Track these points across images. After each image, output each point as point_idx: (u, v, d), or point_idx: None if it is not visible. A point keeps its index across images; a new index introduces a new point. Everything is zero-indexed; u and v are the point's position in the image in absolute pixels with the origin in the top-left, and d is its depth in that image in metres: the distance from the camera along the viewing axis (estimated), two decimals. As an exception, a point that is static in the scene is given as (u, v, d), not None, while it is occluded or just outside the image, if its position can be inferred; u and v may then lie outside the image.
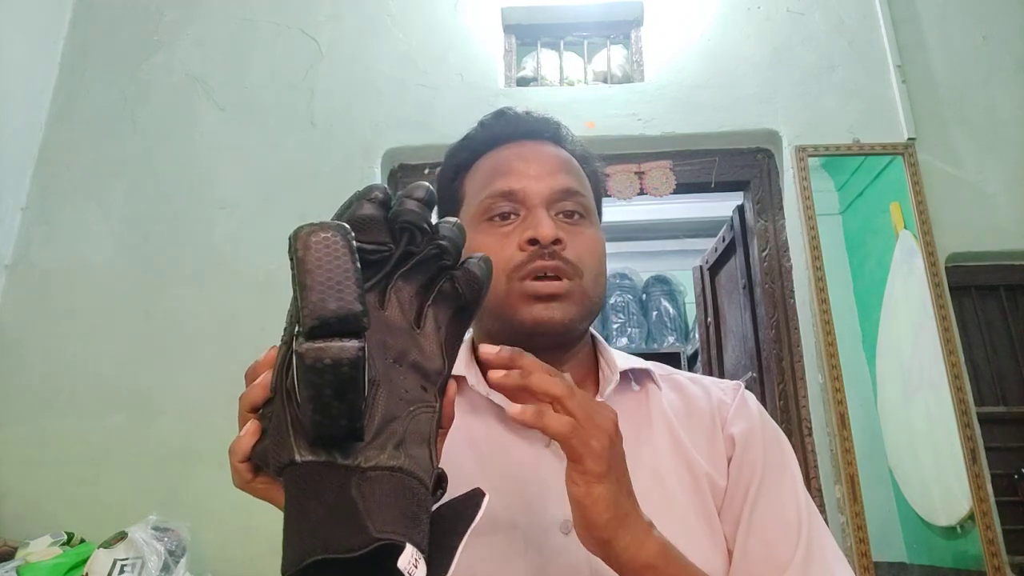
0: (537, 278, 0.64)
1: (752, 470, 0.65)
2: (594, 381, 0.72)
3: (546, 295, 0.64)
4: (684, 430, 0.68)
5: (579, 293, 0.65)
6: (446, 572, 0.38)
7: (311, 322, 0.33)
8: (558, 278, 0.64)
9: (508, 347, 0.50)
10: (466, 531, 0.40)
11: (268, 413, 0.41)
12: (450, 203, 0.75)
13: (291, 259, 0.36)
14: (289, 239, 0.37)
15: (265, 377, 0.41)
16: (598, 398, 0.68)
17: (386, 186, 0.45)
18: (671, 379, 0.74)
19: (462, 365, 0.70)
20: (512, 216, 0.68)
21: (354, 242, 0.37)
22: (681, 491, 0.64)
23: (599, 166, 0.78)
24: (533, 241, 0.64)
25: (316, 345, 0.33)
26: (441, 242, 0.43)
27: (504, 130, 0.73)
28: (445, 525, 0.39)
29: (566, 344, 0.69)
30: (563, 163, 0.71)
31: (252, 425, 0.42)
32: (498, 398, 0.67)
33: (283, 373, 0.39)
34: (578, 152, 0.75)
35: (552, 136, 0.74)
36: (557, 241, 0.65)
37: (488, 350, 0.50)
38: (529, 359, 0.50)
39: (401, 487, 0.37)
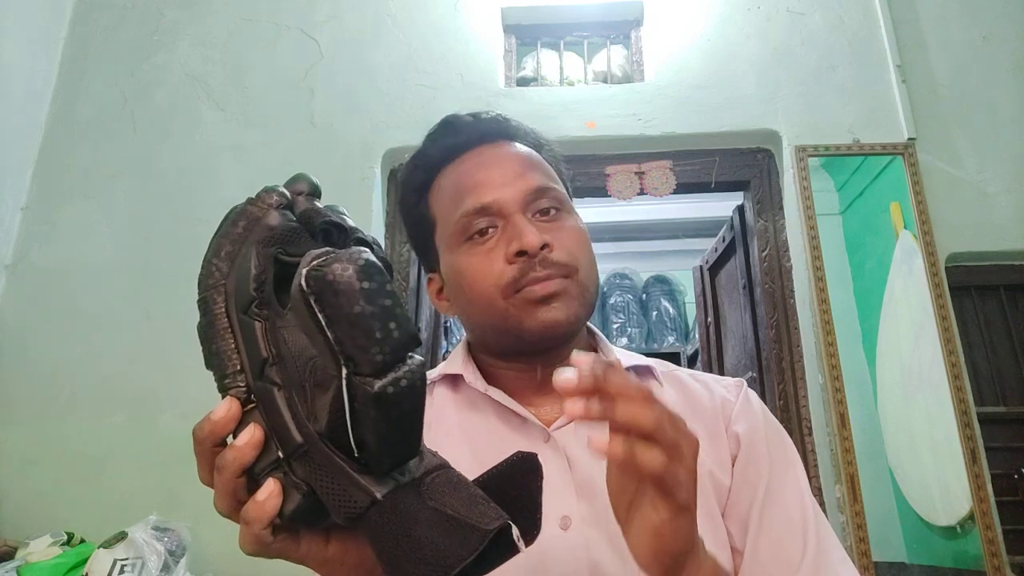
0: (534, 283, 0.63)
1: (758, 470, 0.65)
2: None
3: (546, 296, 0.63)
4: None
5: (577, 288, 0.65)
6: (540, 525, 0.39)
7: (385, 356, 0.33)
8: (555, 278, 0.63)
9: (588, 367, 0.42)
10: (541, 484, 0.40)
11: (280, 467, 0.37)
12: (420, 228, 0.72)
13: (315, 302, 0.34)
14: (303, 285, 0.34)
15: (253, 435, 0.37)
16: None
17: (275, 186, 0.42)
18: (673, 376, 0.73)
19: (459, 363, 0.71)
20: (491, 230, 0.65)
21: (369, 261, 0.35)
22: None
23: (556, 149, 0.76)
24: (521, 252, 0.63)
25: (394, 375, 0.33)
26: (361, 235, 0.42)
27: (456, 140, 0.71)
28: (507, 489, 0.39)
29: (566, 342, 0.68)
30: (526, 160, 0.69)
31: (274, 487, 0.37)
32: (496, 394, 0.67)
33: (304, 422, 0.36)
34: (532, 141, 0.73)
35: (506, 134, 0.71)
36: (545, 246, 0.63)
37: (566, 380, 0.41)
38: (613, 378, 0.42)
39: (449, 480, 0.38)
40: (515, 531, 0.36)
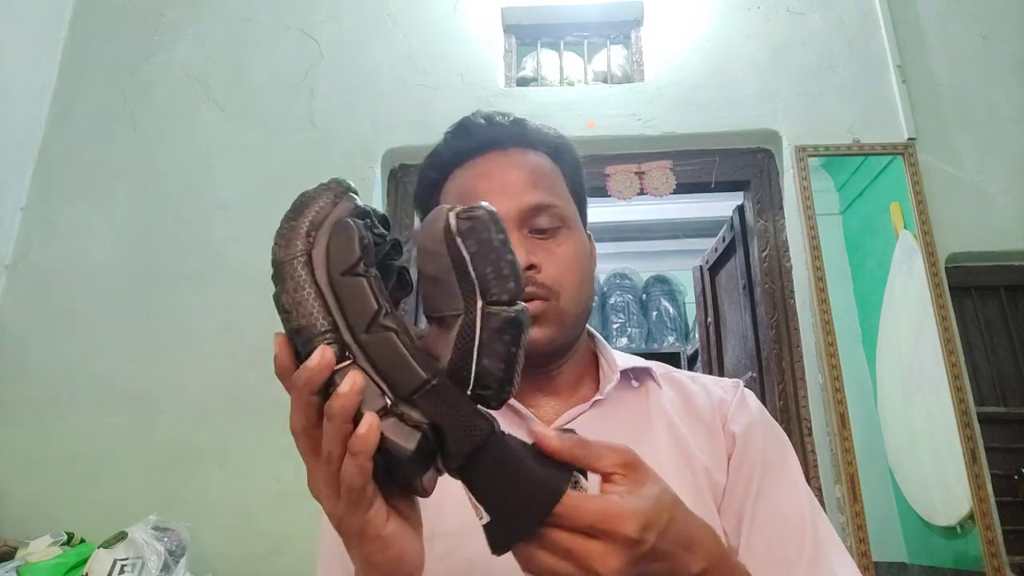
0: None
1: (752, 467, 0.65)
2: (594, 379, 0.72)
3: None
4: (684, 427, 0.68)
5: (554, 313, 0.65)
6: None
7: (515, 285, 0.40)
8: (534, 301, 0.64)
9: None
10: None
11: (391, 413, 0.39)
12: None
13: (462, 241, 0.40)
14: (452, 226, 0.40)
15: (355, 382, 0.39)
16: (598, 396, 0.69)
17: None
18: (671, 378, 0.74)
19: None
20: None
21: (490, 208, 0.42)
22: (680, 487, 0.64)
23: (577, 155, 0.75)
24: None
25: (521, 304, 0.40)
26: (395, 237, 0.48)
27: (467, 144, 0.71)
28: None
29: (555, 355, 0.69)
30: (530, 175, 0.68)
31: (373, 419, 0.38)
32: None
33: (428, 360, 0.40)
34: (551, 148, 0.72)
35: (518, 140, 0.71)
36: (531, 267, 0.64)
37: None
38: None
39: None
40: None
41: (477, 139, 0.71)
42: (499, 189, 0.67)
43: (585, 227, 0.74)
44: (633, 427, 0.67)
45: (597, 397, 0.68)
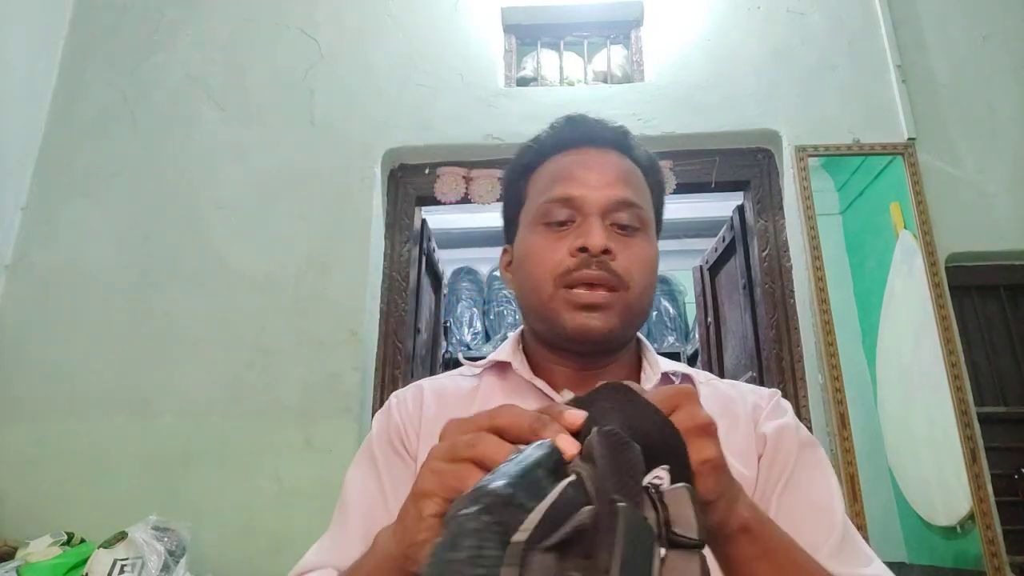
0: (583, 286, 0.66)
1: (784, 466, 0.66)
2: (636, 379, 0.74)
3: (588, 304, 0.66)
4: (720, 427, 0.70)
5: (622, 305, 0.67)
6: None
7: None
8: (603, 288, 0.66)
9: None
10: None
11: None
12: (514, 201, 0.77)
13: None
14: None
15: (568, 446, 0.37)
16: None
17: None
18: (710, 384, 0.76)
19: (508, 352, 0.74)
20: (568, 223, 0.69)
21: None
22: None
23: (664, 182, 0.79)
24: (583, 249, 0.66)
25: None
26: None
27: (571, 135, 0.74)
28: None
29: (608, 350, 0.71)
30: (624, 173, 0.72)
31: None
32: (541, 383, 0.71)
33: None
34: (644, 163, 0.76)
35: (619, 145, 0.74)
36: (607, 251, 0.66)
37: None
38: None
39: None
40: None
41: (581, 131, 0.75)
42: (593, 178, 0.70)
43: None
44: None
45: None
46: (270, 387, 1.84)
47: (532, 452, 0.34)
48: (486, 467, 0.36)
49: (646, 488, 0.36)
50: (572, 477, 0.33)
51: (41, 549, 1.56)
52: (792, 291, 1.94)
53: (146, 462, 1.79)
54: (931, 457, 1.73)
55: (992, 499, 1.64)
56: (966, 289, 1.91)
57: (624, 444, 0.36)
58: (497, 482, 0.31)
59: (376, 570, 0.46)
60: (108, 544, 1.52)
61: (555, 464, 0.35)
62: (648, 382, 0.72)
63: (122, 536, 1.53)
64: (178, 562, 1.52)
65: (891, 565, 0.60)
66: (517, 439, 0.38)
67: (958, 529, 1.66)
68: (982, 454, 1.67)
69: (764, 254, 2.02)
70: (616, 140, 0.75)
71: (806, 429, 0.72)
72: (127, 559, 1.49)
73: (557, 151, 0.74)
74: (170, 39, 2.24)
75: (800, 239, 1.92)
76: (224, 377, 1.86)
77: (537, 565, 0.29)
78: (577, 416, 0.38)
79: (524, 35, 2.32)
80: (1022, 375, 1.85)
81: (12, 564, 1.52)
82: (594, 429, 0.37)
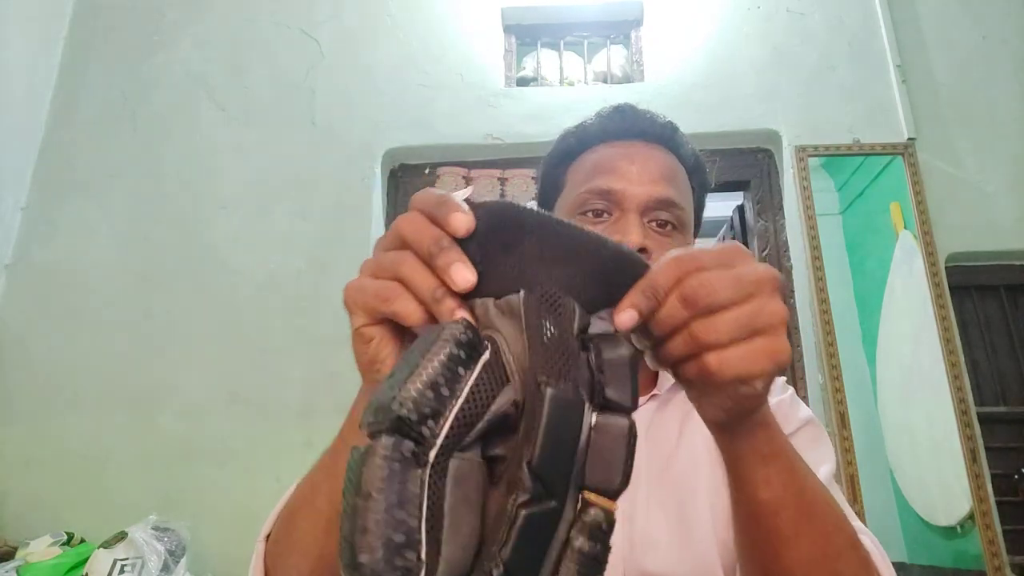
0: None
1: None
2: (652, 377, 0.75)
3: None
4: None
5: None
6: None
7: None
8: None
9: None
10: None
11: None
12: (551, 188, 0.75)
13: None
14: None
15: (465, 220, 0.34)
16: (656, 391, 0.73)
17: None
18: None
19: None
20: (606, 215, 0.68)
21: None
22: (712, 472, 0.66)
23: (709, 183, 0.77)
24: None
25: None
26: None
27: (618, 126, 0.73)
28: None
29: None
30: (667, 171, 0.70)
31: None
32: None
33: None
34: (690, 162, 0.74)
35: (666, 141, 0.73)
36: (643, 250, 0.64)
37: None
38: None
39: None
40: None
41: (630, 123, 0.73)
42: (635, 173, 0.68)
43: None
44: (678, 421, 0.71)
45: (655, 392, 0.73)
46: (270, 387, 1.84)
47: (441, 345, 0.30)
48: (408, 288, 0.36)
49: (583, 344, 0.32)
50: (486, 357, 0.31)
51: (41, 549, 1.56)
52: (792, 291, 1.94)
53: (146, 462, 1.79)
54: (931, 457, 1.73)
55: (992, 499, 1.64)
56: (966, 289, 1.91)
57: (554, 306, 0.32)
58: (404, 392, 0.28)
59: (354, 407, 0.47)
60: (108, 544, 1.52)
61: (469, 341, 0.31)
62: (665, 379, 0.73)
63: (122, 536, 1.53)
64: (178, 562, 1.52)
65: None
66: (422, 258, 0.36)
67: (958, 529, 1.66)
68: (982, 454, 1.67)
69: (764, 254, 2.02)
70: (663, 136, 0.73)
71: (807, 408, 0.72)
72: (127, 559, 1.49)
73: (601, 141, 0.73)
74: (170, 39, 2.24)
75: (800, 239, 1.92)
76: (224, 377, 1.86)
77: (459, 471, 0.28)
78: (466, 281, 0.34)
79: (524, 35, 2.32)
80: (1022, 375, 1.85)
81: (12, 564, 1.52)
82: (521, 292, 0.33)
